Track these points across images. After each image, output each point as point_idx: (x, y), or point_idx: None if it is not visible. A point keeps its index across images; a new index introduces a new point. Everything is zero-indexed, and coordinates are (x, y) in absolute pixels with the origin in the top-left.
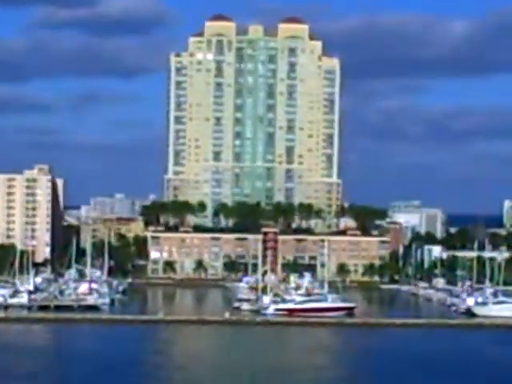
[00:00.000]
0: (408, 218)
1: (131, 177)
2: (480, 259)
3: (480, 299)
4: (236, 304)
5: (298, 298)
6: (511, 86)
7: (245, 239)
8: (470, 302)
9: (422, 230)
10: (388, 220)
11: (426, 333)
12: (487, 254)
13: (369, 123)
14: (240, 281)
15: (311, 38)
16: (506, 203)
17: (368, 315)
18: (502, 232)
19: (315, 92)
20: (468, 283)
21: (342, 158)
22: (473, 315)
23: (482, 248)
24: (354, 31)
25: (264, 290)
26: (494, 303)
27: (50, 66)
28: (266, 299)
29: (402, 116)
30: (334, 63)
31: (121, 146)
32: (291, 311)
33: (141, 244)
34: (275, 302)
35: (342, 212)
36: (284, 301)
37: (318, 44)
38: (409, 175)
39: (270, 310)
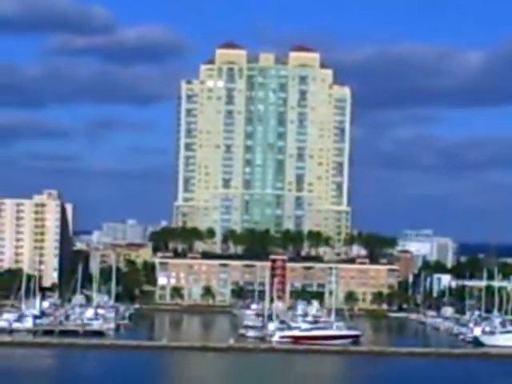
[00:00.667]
0: (419, 247)
1: (144, 203)
2: (489, 288)
3: (487, 328)
4: (241, 331)
5: (304, 326)
6: None
7: (253, 266)
8: (477, 331)
9: (433, 259)
10: (399, 248)
11: (431, 362)
12: (497, 284)
13: (382, 152)
14: (248, 308)
15: (322, 66)
16: None
17: (374, 343)
18: None
19: (326, 120)
20: (477, 312)
21: (353, 186)
22: (480, 344)
23: (491, 277)
24: (368, 61)
25: (270, 317)
26: (502, 332)
27: (66, 93)
28: (272, 326)
29: (415, 146)
30: (345, 92)
31: (134, 173)
32: (296, 338)
33: (149, 270)
34: (281, 330)
35: (351, 240)
36: (289, 328)
37: (329, 72)
38: (421, 204)
39: (276, 338)
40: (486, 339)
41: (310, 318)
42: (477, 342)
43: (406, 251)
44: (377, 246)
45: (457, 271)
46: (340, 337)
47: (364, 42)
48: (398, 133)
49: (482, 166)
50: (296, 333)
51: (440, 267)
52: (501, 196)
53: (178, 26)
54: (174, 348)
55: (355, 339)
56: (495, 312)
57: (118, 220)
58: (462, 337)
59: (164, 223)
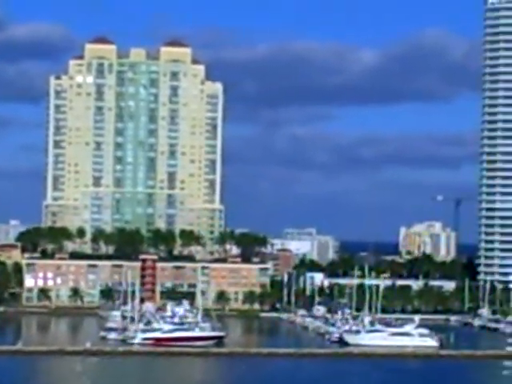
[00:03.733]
0: (299, 246)
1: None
2: (361, 287)
3: (354, 328)
4: (102, 333)
5: (166, 327)
6: (417, 114)
7: (122, 266)
8: (344, 330)
9: (314, 257)
10: (278, 247)
11: (293, 362)
12: (369, 282)
13: (276, 150)
14: (117, 309)
15: (194, 62)
16: (402, 230)
17: (239, 344)
18: (398, 259)
19: (198, 116)
20: (347, 311)
21: (227, 183)
22: (345, 344)
23: (364, 275)
24: (263, 58)
25: (133, 319)
26: (367, 332)
27: None
28: (133, 328)
29: (309, 143)
30: (217, 88)
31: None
32: (158, 340)
33: (18, 272)
34: (144, 331)
35: (223, 239)
36: (152, 330)
37: (201, 68)
38: (310, 202)
39: (137, 340)
40: (351, 338)
41: (176, 319)
42: (342, 342)
43: (286, 250)
44: (249, 245)
45: (331, 269)
46: (203, 338)
47: (260, 39)
48: (293, 130)
49: (375, 163)
50: (158, 334)
51: (315, 266)
52: (391, 194)
53: (66, 24)
54: (29, 352)
55: (219, 340)
56: (366, 310)
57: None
58: (328, 336)
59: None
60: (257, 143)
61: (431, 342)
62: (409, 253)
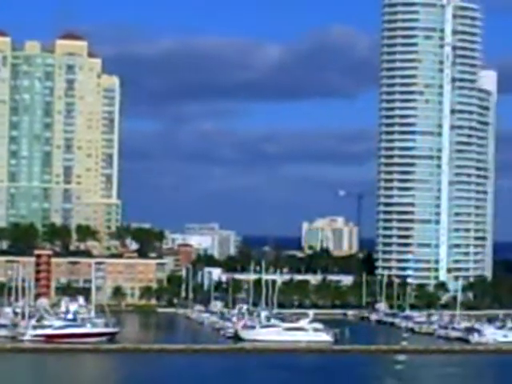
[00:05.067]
0: (201, 241)
1: None
2: (259, 282)
3: (249, 323)
4: None
5: (57, 323)
6: (321, 110)
7: (16, 262)
8: (239, 325)
9: (215, 252)
10: (179, 242)
11: (187, 359)
12: (266, 277)
13: (181, 146)
14: (9, 305)
15: (90, 55)
16: (305, 225)
17: (133, 340)
18: (299, 254)
19: (94, 110)
20: (244, 306)
21: (127, 179)
22: (240, 339)
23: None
24: (169, 54)
25: (26, 315)
26: (262, 327)
27: None
28: (24, 324)
29: (214, 139)
30: (114, 81)
31: None
32: (49, 337)
33: None
34: (34, 328)
35: (119, 234)
36: (42, 326)
37: (98, 62)
38: (213, 198)
39: (27, 336)
40: (245, 334)
41: (70, 316)
42: (237, 337)
43: (187, 245)
44: (147, 240)
45: (229, 264)
46: (95, 334)
47: (164, 35)
48: (197, 126)
49: (279, 159)
50: (49, 331)
51: (213, 261)
52: (295, 189)
53: None
54: None
55: (112, 337)
56: (262, 305)
57: None
58: (223, 332)
59: None
60: (161, 138)
61: (325, 337)
62: (311, 248)
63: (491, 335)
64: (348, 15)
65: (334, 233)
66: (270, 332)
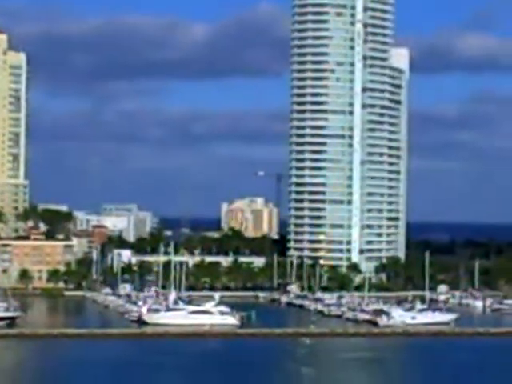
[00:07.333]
0: (116, 222)
1: None
2: (169, 264)
3: (155, 306)
4: None
5: None
6: (249, 89)
7: None
8: (143, 309)
9: (131, 234)
10: (94, 223)
11: (87, 343)
12: (176, 259)
13: (106, 125)
14: None
15: None
16: (224, 207)
17: (35, 325)
18: (215, 235)
19: (1, 88)
20: (153, 289)
21: (32, 158)
22: (144, 323)
23: (176, 252)
24: (95, 32)
25: None
26: (167, 310)
27: None
28: None
29: (141, 118)
30: (21, 58)
31: None
32: None
33: None
34: None
35: (26, 215)
36: None
37: (3, 38)
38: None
39: None
40: (149, 318)
41: None
42: (141, 321)
43: (101, 226)
44: (56, 222)
45: (140, 246)
46: None
47: (92, 13)
48: (124, 105)
49: (206, 139)
50: None
51: (125, 242)
52: (219, 169)
53: None
54: None
55: (12, 321)
56: (172, 288)
57: None
58: (127, 316)
59: None
60: (86, 118)
61: (231, 320)
62: (231, 229)
63: (399, 317)
64: None
65: (253, 213)
66: (175, 316)
